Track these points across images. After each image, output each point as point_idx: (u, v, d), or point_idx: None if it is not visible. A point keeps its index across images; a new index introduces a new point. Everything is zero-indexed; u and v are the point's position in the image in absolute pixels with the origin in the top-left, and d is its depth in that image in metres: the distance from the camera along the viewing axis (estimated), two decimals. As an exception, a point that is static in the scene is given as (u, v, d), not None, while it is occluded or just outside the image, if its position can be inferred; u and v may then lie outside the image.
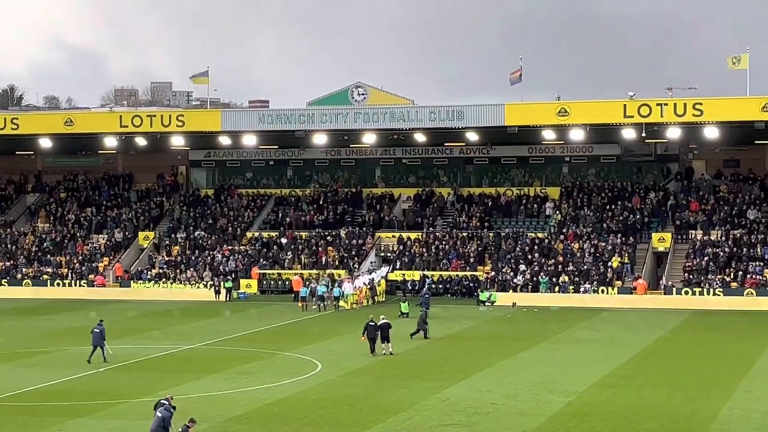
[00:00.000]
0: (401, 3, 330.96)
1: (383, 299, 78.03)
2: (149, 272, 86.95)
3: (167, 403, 35.20)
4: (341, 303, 74.61)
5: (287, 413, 40.73)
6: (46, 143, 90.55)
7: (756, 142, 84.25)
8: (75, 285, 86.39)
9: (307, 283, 78.53)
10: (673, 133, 79.86)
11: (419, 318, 60.94)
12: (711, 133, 78.70)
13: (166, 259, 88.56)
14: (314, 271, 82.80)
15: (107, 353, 52.71)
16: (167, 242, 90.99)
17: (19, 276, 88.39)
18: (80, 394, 44.85)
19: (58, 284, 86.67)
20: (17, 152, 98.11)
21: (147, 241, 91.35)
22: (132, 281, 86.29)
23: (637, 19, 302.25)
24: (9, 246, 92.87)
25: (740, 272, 76.95)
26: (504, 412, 40.56)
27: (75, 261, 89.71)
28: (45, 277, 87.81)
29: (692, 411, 40.59)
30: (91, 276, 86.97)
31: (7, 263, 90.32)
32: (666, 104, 75.95)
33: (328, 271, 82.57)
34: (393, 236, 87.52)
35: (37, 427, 38.69)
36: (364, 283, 77.38)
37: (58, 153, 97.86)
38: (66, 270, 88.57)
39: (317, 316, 71.80)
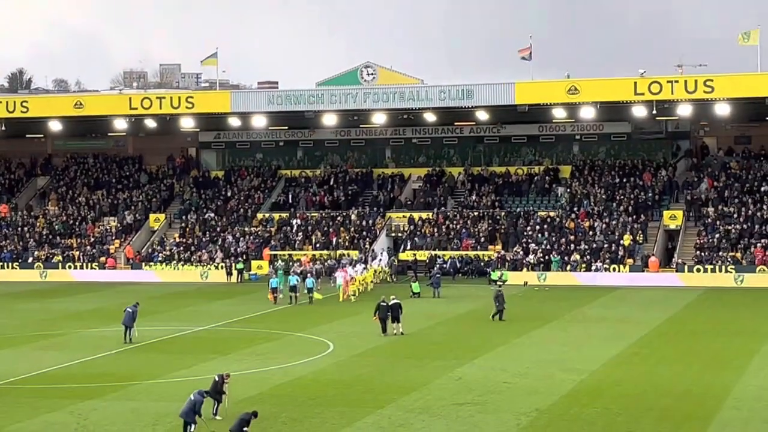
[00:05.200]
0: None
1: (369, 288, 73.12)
2: (160, 254, 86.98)
3: (219, 379, 36.62)
4: (316, 295, 68.20)
5: (299, 394, 40.70)
6: (56, 126, 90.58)
7: (767, 118, 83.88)
8: (86, 267, 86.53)
9: (274, 271, 74.12)
10: (684, 110, 79.66)
11: (496, 297, 59.18)
12: (722, 110, 78.46)
13: (177, 240, 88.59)
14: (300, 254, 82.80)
15: (133, 335, 52.90)
16: (179, 224, 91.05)
17: (31, 259, 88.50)
18: (92, 376, 44.87)
19: (70, 267, 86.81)
20: (27, 135, 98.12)
21: (158, 223, 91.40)
22: (143, 263, 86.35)
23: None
24: (20, 229, 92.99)
25: (752, 249, 76.77)
26: (517, 391, 40.48)
27: (86, 243, 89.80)
28: (56, 259, 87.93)
29: (705, 389, 40.46)
30: (102, 258, 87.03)
31: (18, 246, 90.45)
32: (677, 81, 75.68)
33: (339, 252, 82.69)
34: (404, 216, 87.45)
35: (49, 409, 38.68)
36: (359, 273, 72.95)
37: (68, 136, 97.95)
38: (77, 253, 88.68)
39: (274, 309, 66.21)
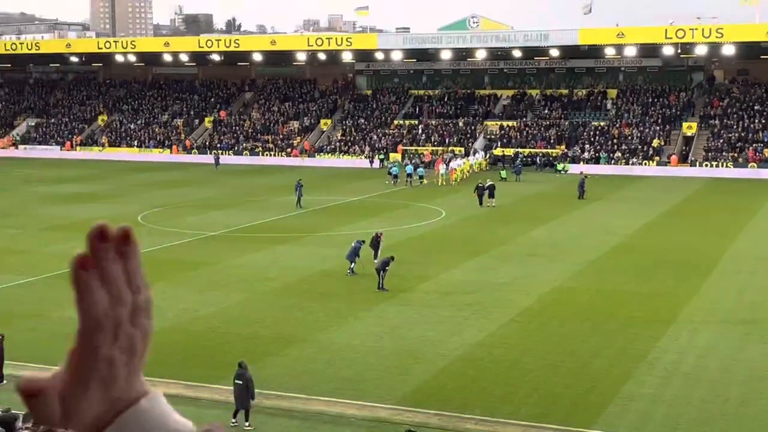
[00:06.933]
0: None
1: (465, 176, 72.96)
2: (327, 147, 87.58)
3: (376, 236, 36.43)
4: (423, 181, 66.63)
5: (423, 244, 41.09)
6: (257, 57, 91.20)
7: (761, 57, 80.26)
8: (278, 155, 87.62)
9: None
10: (701, 50, 76.94)
11: (580, 183, 57.11)
12: (728, 50, 75.54)
13: (339, 138, 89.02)
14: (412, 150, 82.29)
15: (303, 203, 53.49)
16: (340, 127, 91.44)
17: (240, 148, 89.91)
18: (282, 228, 45.86)
19: (267, 154, 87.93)
20: (238, 63, 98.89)
21: (326, 126, 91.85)
22: (316, 153, 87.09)
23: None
24: (233, 128, 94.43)
25: (746, 150, 74.41)
26: (574, 246, 40.28)
27: (278, 139, 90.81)
28: (257, 150, 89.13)
29: (708, 248, 39.80)
30: (288, 149, 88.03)
31: (232, 140, 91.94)
32: (696, 29, 73.09)
33: (450, 148, 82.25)
34: (496, 124, 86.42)
35: (254, 250, 39.74)
36: (459, 165, 70.65)
37: (266, 64, 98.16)
38: (272, 145, 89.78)
39: (398, 189, 65.99)
